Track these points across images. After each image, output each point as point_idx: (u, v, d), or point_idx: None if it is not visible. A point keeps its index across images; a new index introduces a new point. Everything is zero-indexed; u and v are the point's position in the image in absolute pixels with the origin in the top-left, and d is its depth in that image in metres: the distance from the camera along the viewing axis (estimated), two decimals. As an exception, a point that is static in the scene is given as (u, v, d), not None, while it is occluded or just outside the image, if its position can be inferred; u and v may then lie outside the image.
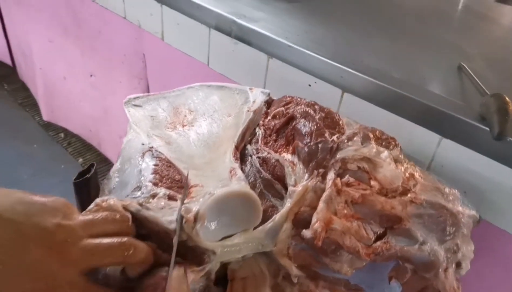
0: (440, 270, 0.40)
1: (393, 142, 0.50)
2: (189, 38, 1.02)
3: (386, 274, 0.41)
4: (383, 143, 0.49)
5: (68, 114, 1.89)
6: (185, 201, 0.40)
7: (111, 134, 1.70)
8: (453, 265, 0.42)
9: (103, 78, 1.58)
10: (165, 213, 0.38)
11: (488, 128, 0.54)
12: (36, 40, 1.79)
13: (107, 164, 1.83)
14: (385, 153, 0.46)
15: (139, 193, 0.45)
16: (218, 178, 0.43)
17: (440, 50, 0.89)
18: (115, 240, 0.32)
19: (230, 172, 0.43)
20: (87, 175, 0.65)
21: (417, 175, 0.46)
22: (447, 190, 0.47)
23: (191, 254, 0.38)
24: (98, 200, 0.38)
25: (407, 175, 0.45)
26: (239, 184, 0.42)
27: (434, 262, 0.39)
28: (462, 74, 0.76)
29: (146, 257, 0.34)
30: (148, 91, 1.40)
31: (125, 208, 0.37)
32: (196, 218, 0.37)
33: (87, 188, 0.61)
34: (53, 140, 1.96)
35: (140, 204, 0.39)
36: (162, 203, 0.40)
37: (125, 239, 0.33)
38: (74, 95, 1.78)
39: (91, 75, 1.62)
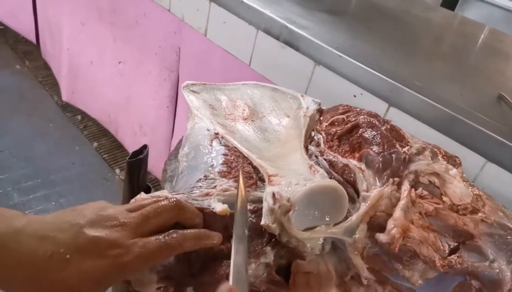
0: (505, 290, 0.41)
1: (458, 161, 0.51)
2: (234, 38, 1.03)
3: (450, 289, 0.42)
4: (449, 161, 0.50)
5: (88, 97, 1.89)
6: (268, 187, 0.41)
7: (130, 122, 1.70)
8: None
9: (132, 67, 1.58)
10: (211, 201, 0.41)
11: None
12: (68, 21, 1.80)
13: (122, 150, 1.83)
14: (454, 171, 0.47)
15: (205, 183, 0.45)
16: (296, 172, 0.44)
17: (479, 78, 0.90)
18: (164, 200, 0.37)
19: (310, 168, 0.44)
20: (140, 156, 0.66)
21: (483, 196, 0.47)
22: (509, 213, 0.47)
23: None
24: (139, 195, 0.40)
25: (474, 194, 0.46)
26: (330, 180, 0.43)
27: (501, 281, 0.40)
28: (502, 103, 0.77)
29: (195, 216, 0.38)
30: (178, 84, 1.41)
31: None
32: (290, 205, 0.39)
33: (139, 167, 0.62)
34: (70, 121, 1.96)
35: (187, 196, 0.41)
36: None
37: (172, 198, 0.38)
38: (98, 80, 1.78)
39: (119, 62, 1.62)
